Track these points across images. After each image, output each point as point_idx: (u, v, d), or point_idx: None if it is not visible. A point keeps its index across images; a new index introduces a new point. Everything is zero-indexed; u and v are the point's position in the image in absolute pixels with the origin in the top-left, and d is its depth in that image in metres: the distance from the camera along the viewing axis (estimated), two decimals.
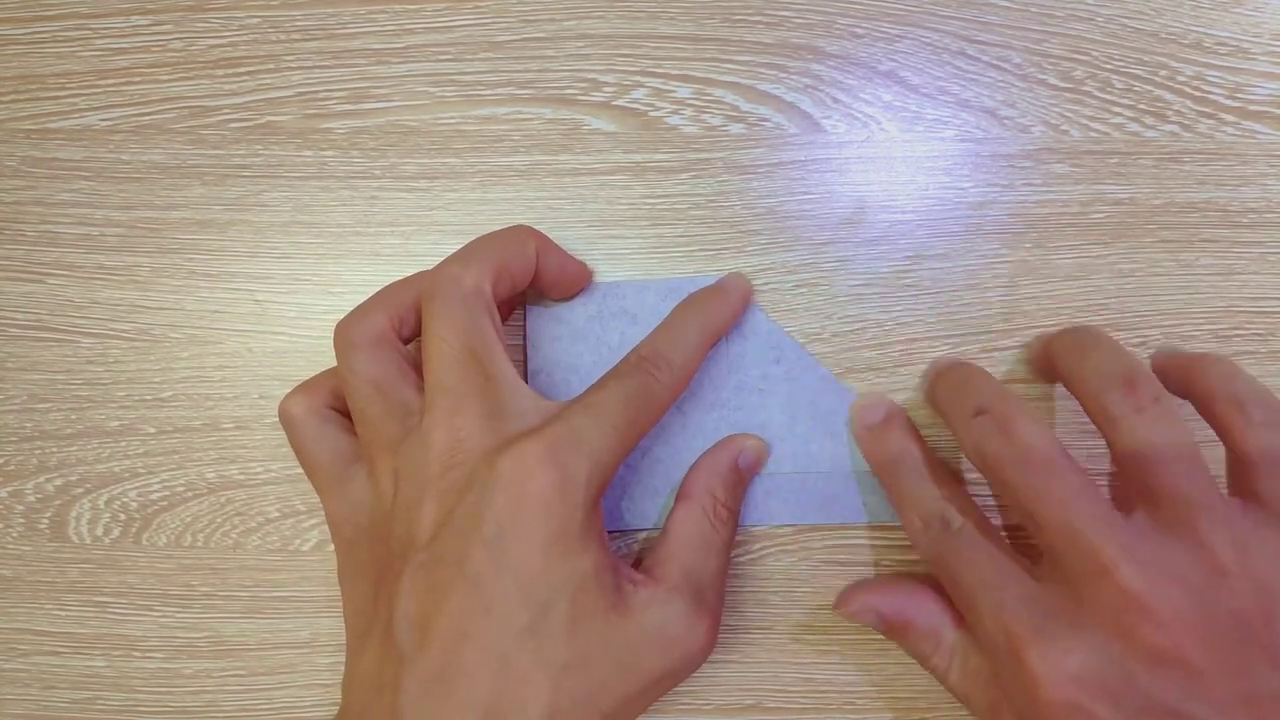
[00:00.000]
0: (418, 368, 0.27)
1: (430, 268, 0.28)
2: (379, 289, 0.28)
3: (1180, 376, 0.26)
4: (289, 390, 0.28)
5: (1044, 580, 0.25)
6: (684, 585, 0.26)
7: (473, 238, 0.28)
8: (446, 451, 0.24)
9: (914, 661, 0.31)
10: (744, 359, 0.31)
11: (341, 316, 0.27)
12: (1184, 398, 0.26)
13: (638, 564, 0.28)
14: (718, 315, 0.29)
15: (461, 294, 0.26)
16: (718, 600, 0.27)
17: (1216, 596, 0.22)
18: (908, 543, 0.30)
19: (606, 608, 0.24)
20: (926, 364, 0.31)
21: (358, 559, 0.26)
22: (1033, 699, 0.23)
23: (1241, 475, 0.24)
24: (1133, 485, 0.24)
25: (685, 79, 0.32)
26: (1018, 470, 0.24)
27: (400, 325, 0.27)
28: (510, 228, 0.29)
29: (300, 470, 0.31)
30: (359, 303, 0.27)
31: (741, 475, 0.30)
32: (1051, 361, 0.28)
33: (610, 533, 0.31)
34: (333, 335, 0.27)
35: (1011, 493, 0.25)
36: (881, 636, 0.31)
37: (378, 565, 0.26)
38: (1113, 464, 0.26)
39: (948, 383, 0.28)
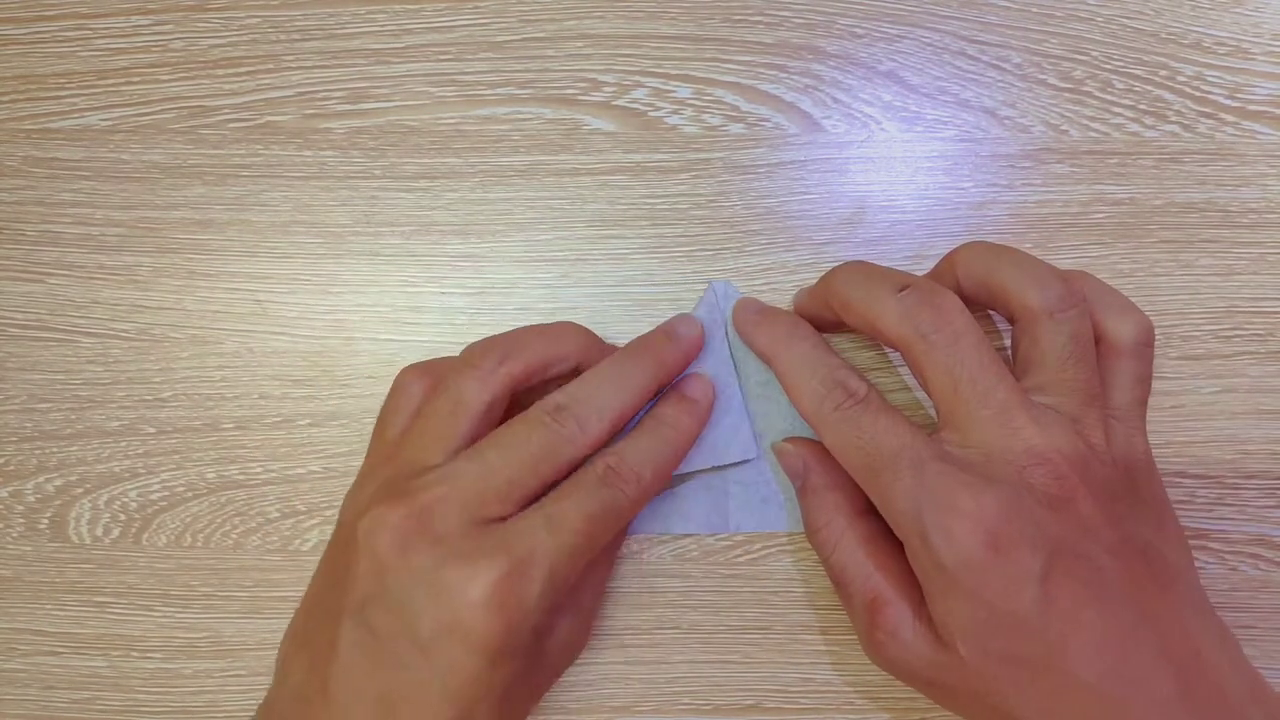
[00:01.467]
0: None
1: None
2: (517, 334, 0.28)
3: (972, 285, 0.28)
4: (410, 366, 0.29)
5: (952, 445, 0.26)
6: (569, 606, 0.28)
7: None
8: (419, 507, 0.25)
9: None
10: (746, 365, 0.30)
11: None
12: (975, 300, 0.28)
13: None
14: (687, 418, 0.29)
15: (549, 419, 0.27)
16: (598, 605, 0.30)
17: (1091, 463, 0.25)
18: None
19: (529, 675, 0.26)
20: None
21: (328, 545, 0.28)
22: (958, 542, 0.24)
23: (1106, 377, 0.27)
24: (1043, 367, 0.26)
25: (685, 79, 0.32)
26: (946, 342, 0.26)
27: (515, 386, 0.28)
28: (562, 327, 0.29)
29: (300, 470, 0.31)
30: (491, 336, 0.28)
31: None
32: (955, 268, 0.28)
33: None
34: (471, 346, 0.28)
35: (935, 360, 0.26)
36: None
37: (329, 562, 0.27)
38: (1021, 344, 0.27)
39: (852, 272, 0.28)
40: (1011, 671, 0.24)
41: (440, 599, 0.24)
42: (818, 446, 0.29)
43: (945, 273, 0.28)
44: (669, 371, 0.29)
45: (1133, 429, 0.27)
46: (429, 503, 0.25)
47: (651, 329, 0.30)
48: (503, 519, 0.25)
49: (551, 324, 0.30)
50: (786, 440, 0.30)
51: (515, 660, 0.25)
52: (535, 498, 0.26)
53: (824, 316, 0.29)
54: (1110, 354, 0.27)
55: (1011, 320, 0.27)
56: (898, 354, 0.29)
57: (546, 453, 0.26)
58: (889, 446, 0.26)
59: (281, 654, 0.28)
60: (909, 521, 0.25)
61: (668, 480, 0.28)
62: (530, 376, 0.28)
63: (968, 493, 0.24)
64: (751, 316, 0.30)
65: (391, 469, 0.26)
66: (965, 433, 0.26)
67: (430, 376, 0.28)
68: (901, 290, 0.26)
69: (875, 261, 0.31)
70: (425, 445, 0.26)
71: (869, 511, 0.28)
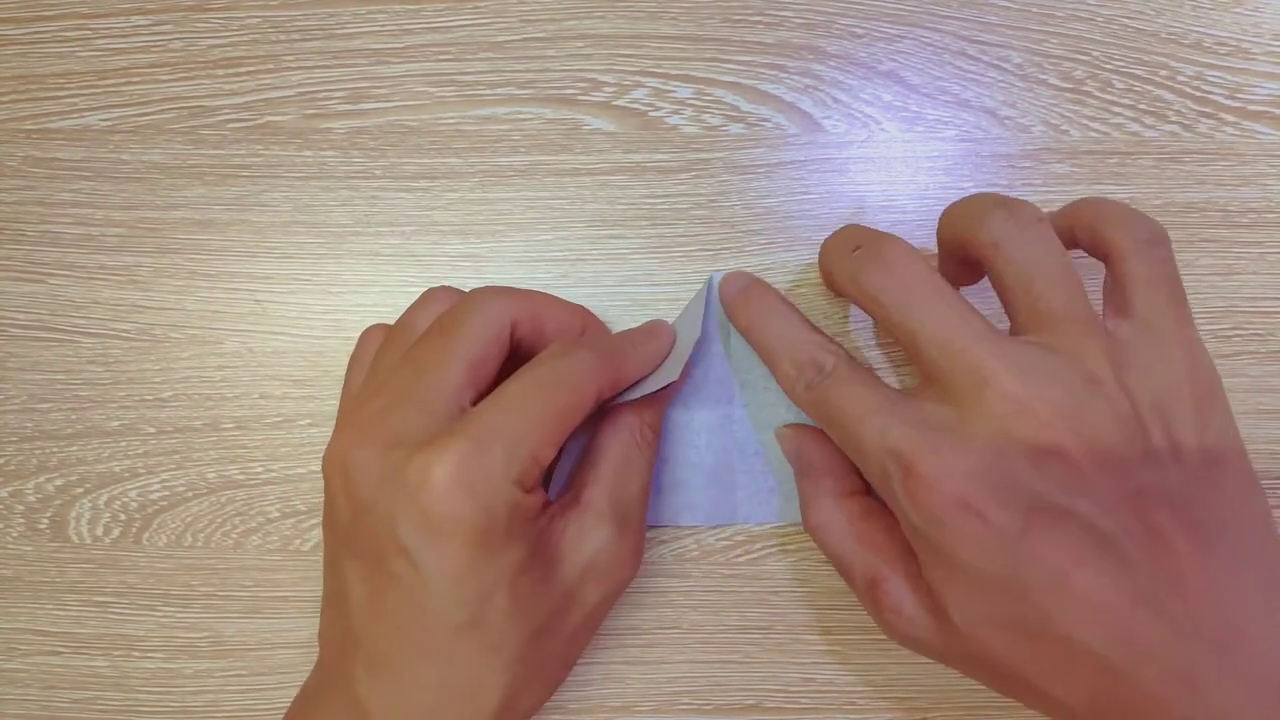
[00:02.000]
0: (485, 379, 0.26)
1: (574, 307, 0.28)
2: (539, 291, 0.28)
3: (1063, 222, 0.26)
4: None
5: (924, 403, 0.24)
6: (609, 511, 0.26)
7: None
8: (377, 412, 0.24)
9: (915, 661, 0.31)
10: (750, 357, 0.30)
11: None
12: (1069, 241, 0.26)
13: (569, 485, 0.28)
14: (644, 339, 0.28)
15: (486, 317, 0.26)
16: (641, 520, 0.27)
17: (1092, 403, 0.23)
18: None
19: (543, 575, 0.24)
20: None
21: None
22: (924, 506, 0.23)
23: (1118, 294, 0.25)
24: (1014, 306, 0.25)
25: (685, 79, 0.32)
26: (899, 295, 0.24)
27: (514, 334, 0.27)
28: (578, 307, 0.29)
29: (300, 470, 0.31)
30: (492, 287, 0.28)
31: (669, 394, 0.30)
32: (943, 236, 0.27)
33: None
34: (476, 291, 0.27)
35: (893, 318, 0.24)
36: (882, 636, 0.31)
37: (326, 520, 0.27)
38: (996, 289, 0.25)
39: (834, 238, 0.28)
40: (1007, 637, 0.23)
41: (406, 497, 0.23)
42: (811, 431, 0.29)
43: (939, 245, 0.28)
44: (642, 368, 0.28)
45: (1166, 341, 0.24)
46: (374, 413, 0.24)
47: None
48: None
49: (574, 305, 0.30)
50: (785, 426, 0.30)
51: (509, 547, 0.23)
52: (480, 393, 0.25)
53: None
54: (1115, 259, 0.25)
55: (980, 265, 0.26)
56: None
57: (469, 342, 0.25)
58: (855, 415, 0.25)
59: (321, 624, 0.27)
60: (880, 485, 0.24)
61: (627, 372, 0.27)
62: (526, 322, 0.27)
63: (931, 453, 0.23)
64: (730, 296, 0.30)
65: (358, 405, 0.26)
66: (939, 389, 0.24)
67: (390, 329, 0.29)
68: (855, 249, 0.26)
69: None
70: (386, 369, 0.26)
71: (862, 491, 0.28)
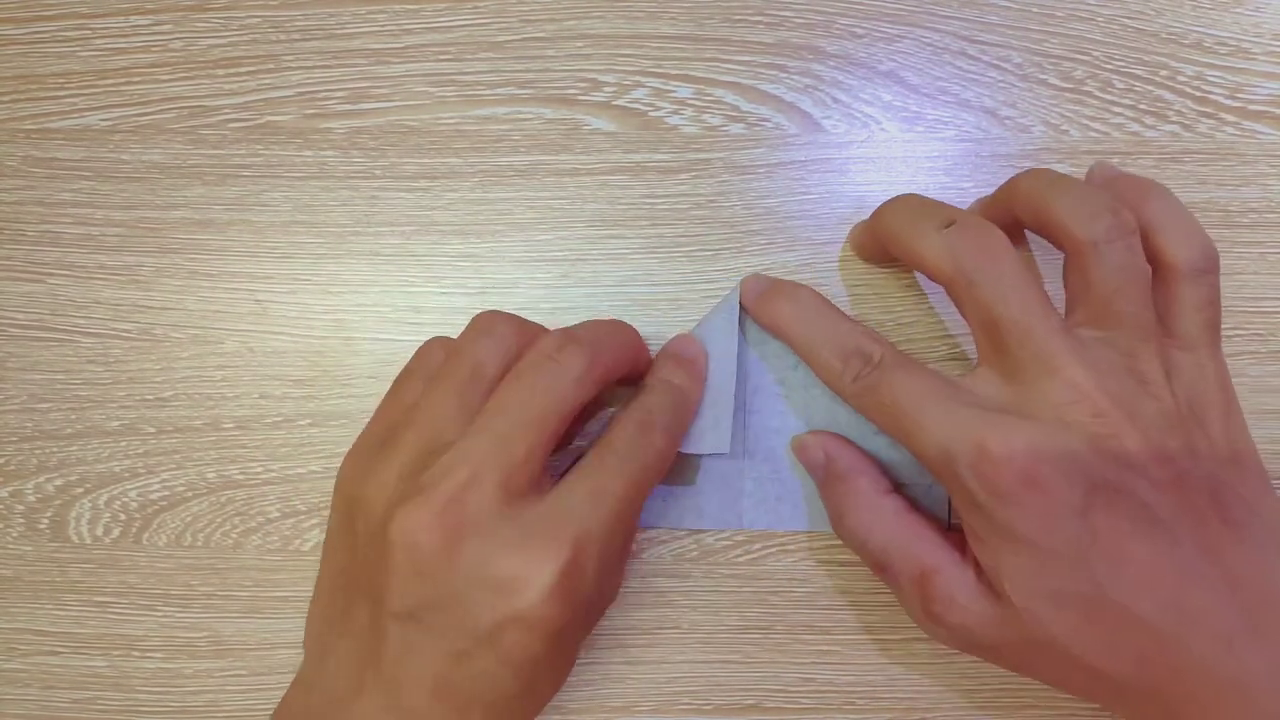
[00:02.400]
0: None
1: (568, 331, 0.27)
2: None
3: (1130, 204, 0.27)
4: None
5: (981, 387, 0.25)
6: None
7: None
8: (448, 498, 0.24)
9: (915, 662, 0.31)
10: (763, 363, 0.30)
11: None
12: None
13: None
14: (690, 384, 0.29)
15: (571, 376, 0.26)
16: (629, 541, 0.29)
17: (1143, 399, 0.25)
18: None
19: (581, 636, 0.27)
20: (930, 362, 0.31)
21: (338, 526, 0.28)
22: (992, 482, 0.24)
23: (1168, 310, 0.26)
24: (1089, 297, 0.26)
25: (685, 79, 0.32)
26: (995, 277, 0.25)
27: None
28: (630, 333, 0.29)
29: (300, 470, 0.31)
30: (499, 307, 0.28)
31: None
32: (1014, 194, 0.28)
33: None
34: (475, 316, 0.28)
35: (983, 297, 0.25)
36: (882, 636, 0.31)
37: (349, 552, 0.27)
38: (1072, 279, 0.26)
39: (901, 205, 0.28)
40: (1064, 612, 0.24)
41: (500, 593, 0.23)
42: (835, 436, 0.30)
43: (1003, 200, 0.28)
44: (646, 354, 0.29)
45: (1202, 358, 0.26)
46: (455, 491, 0.24)
47: (666, 335, 0.30)
48: (536, 489, 0.25)
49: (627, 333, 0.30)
50: (805, 433, 0.30)
51: (574, 632, 0.25)
52: (556, 447, 0.26)
53: (876, 249, 0.30)
54: (1170, 278, 0.26)
55: (1063, 250, 0.27)
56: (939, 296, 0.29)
57: (554, 401, 0.25)
58: (911, 400, 0.25)
59: (312, 634, 0.27)
60: (943, 467, 0.25)
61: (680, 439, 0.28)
62: None
63: (996, 432, 0.24)
64: (755, 296, 0.30)
65: (407, 449, 0.25)
66: (1004, 372, 0.25)
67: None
68: (947, 226, 0.26)
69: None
70: (440, 418, 0.26)
71: (896, 490, 0.29)
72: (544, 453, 0.25)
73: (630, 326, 0.29)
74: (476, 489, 0.24)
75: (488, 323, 0.27)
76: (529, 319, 0.28)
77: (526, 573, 0.23)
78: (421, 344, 0.29)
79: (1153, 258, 0.27)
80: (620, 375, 0.28)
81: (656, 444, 0.26)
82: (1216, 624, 0.23)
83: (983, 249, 0.26)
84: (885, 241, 0.28)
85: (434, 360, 0.28)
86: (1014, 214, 0.27)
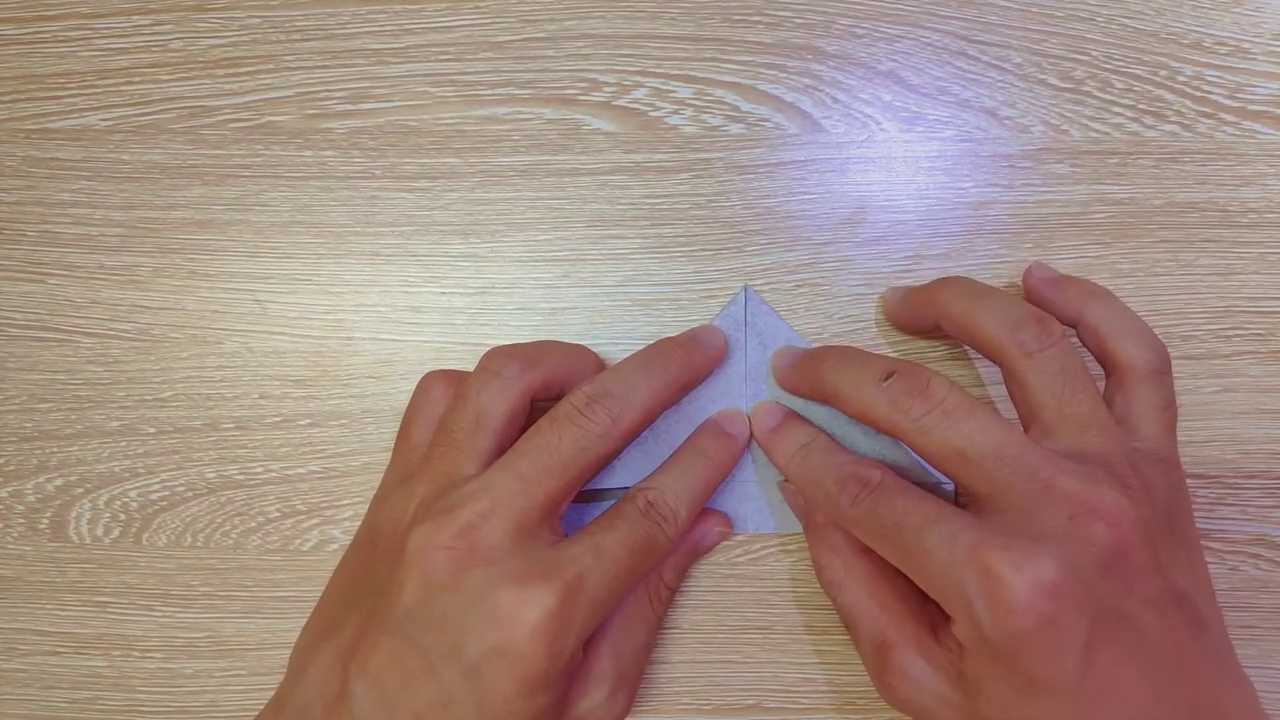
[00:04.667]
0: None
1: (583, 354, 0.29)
2: (537, 344, 0.29)
3: (1066, 309, 0.28)
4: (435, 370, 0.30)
5: (982, 512, 0.25)
6: (610, 667, 0.27)
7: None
8: (465, 524, 0.25)
9: None
10: (762, 368, 0.30)
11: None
12: (1069, 324, 0.28)
13: None
14: (724, 453, 0.29)
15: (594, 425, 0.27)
16: (638, 672, 0.28)
17: (1136, 506, 0.24)
18: None
19: (552, 718, 0.26)
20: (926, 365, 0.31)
21: (359, 545, 0.29)
22: (1006, 617, 0.23)
23: (1126, 409, 0.27)
24: (1039, 407, 0.26)
25: (685, 79, 0.32)
26: (941, 421, 0.25)
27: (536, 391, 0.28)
28: (579, 349, 0.30)
29: (300, 470, 0.31)
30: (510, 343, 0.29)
31: (697, 556, 0.31)
32: (937, 308, 0.28)
33: None
34: (484, 355, 0.28)
35: (935, 443, 0.25)
36: None
37: (362, 568, 0.28)
38: (1015, 393, 0.27)
39: (838, 360, 0.28)
40: None
41: (493, 621, 0.24)
42: None
43: (924, 304, 0.29)
44: (695, 374, 0.29)
45: (1167, 460, 0.26)
46: (474, 519, 0.25)
47: (666, 334, 0.30)
48: (548, 533, 0.26)
49: (569, 343, 0.30)
50: (782, 483, 0.30)
51: (549, 692, 0.24)
52: (571, 498, 0.26)
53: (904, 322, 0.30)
54: (1126, 381, 0.27)
55: (999, 366, 0.27)
56: None
57: (579, 452, 0.26)
58: (914, 525, 0.25)
59: (300, 646, 0.28)
60: (951, 596, 0.24)
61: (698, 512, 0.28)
62: (550, 387, 0.28)
63: (1009, 559, 0.23)
64: (765, 435, 0.30)
65: (426, 482, 0.27)
66: (996, 500, 0.24)
67: (453, 384, 0.29)
68: (886, 379, 0.26)
69: (876, 261, 0.31)
70: (454, 458, 0.26)
71: (870, 550, 0.28)
72: (562, 501, 0.26)
73: (667, 370, 0.28)
74: (494, 520, 0.25)
75: (497, 363, 0.28)
76: (539, 341, 0.29)
77: (520, 608, 0.24)
78: (421, 379, 0.30)
79: (1106, 361, 0.27)
80: (649, 423, 0.28)
81: (665, 529, 0.27)
82: None
83: (926, 397, 0.25)
84: (830, 399, 0.28)
85: (435, 399, 0.29)
86: (937, 323, 0.28)
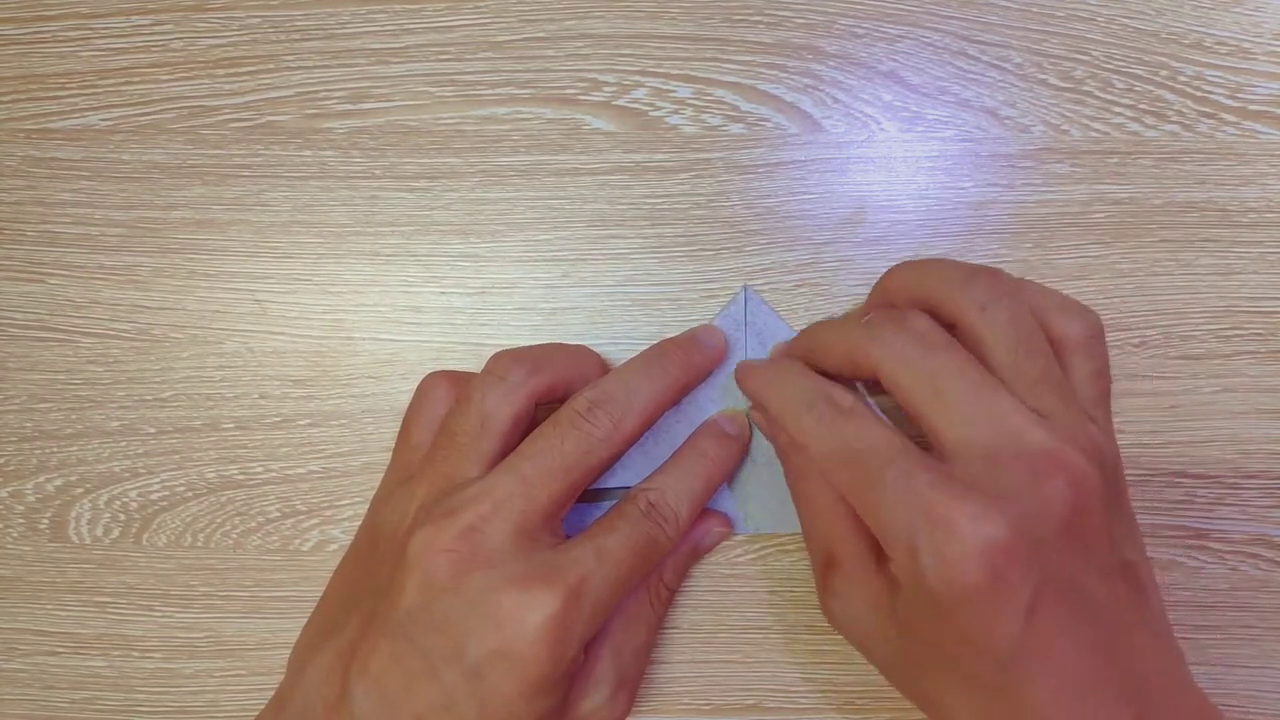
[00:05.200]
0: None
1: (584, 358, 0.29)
2: (543, 348, 0.29)
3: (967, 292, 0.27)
4: (437, 371, 0.30)
5: (948, 458, 0.24)
6: (610, 668, 0.27)
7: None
8: (466, 526, 0.25)
9: None
10: None
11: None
12: (915, 304, 0.28)
13: None
14: (724, 453, 0.29)
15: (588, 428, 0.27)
16: (639, 673, 0.28)
17: (1094, 467, 0.23)
18: None
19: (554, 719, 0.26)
20: None
21: (359, 546, 0.29)
22: (953, 570, 0.22)
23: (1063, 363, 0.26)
24: (996, 370, 0.25)
25: (685, 79, 0.32)
26: (917, 349, 0.25)
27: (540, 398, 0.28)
28: (584, 352, 0.30)
29: (300, 470, 0.31)
30: (515, 347, 0.29)
31: (697, 556, 0.31)
32: (892, 292, 0.28)
33: None
34: (490, 360, 0.28)
35: (910, 373, 0.25)
36: None
37: (363, 569, 0.28)
38: (976, 348, 0.26)
39: (823, 322, 0.29)
40: (962, 684, 0.23)
41: (495, 624, 0.24)
42: None
43: (878, 298, 0.29)
44: (696, 375, 0.29)
45: (1106, 430, 0.26)
46: (475, 522, 0.25)
47: (666, 334, 0.30)
48: (550, 535, 0.26)
49: (573, 345, 0.30)
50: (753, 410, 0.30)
51: (550, 696, 0.24)
52: (573, 501, 0.26)
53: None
54: (1061, 351, 0.26)
55: (952, 329, 0.26)
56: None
57: (581, 456, 0.26)
58: (875, 454, 0.24)
59: (300, 647, 0.28)
60: (898, 537, 0.23)
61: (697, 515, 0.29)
62: (554, 391, 0.28)
63: (966, 511, 0.22)
64: (743, 370, 0.29)
65: (427, 484, 0.27)
66: (961, 443, 0.24)
67: (456, 386, 0.29)
68: (867, 318, 0.26)
69: (876, 261, 0.31)
70: (457, 461, 0.26)
71: None
72: (564, 504, 0.26)
73: (668, 372, 0.28)
74: (496, 522, 0.25)
75: (503, 367, 0.27)
76: (544, 345, 0.29)
77: (522, 611, 0.24)
78: (422, 380, 0.29)
79: (1046, 328, 0.27)
80: (650, 425, 0.28)
81: (665, 530, 0.27)
82: None
83: (901, 324, 0.25)
84: (818, 356, 0.28)
85: (437, 400, 0.29)
86: (894, 306, 0.28)
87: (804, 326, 0.31)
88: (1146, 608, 0.24)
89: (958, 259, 0.31)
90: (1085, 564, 0.23)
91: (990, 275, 0.26)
